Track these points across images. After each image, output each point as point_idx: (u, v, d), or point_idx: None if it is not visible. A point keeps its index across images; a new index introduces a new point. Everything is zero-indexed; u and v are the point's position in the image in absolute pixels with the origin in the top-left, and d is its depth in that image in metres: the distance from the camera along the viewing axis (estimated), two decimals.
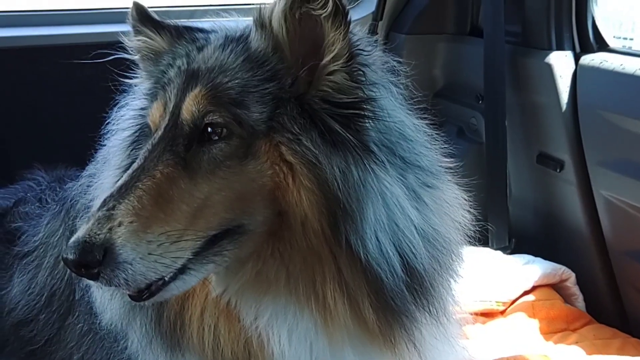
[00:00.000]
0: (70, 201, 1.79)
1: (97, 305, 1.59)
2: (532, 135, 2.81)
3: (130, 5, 1.59)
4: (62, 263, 1.75)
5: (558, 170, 2.68)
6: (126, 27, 1.60)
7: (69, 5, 3.09)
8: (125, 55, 1.59)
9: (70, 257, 1.18)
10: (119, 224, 1.20)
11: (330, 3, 1.27)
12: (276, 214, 1.32)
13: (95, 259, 1.18)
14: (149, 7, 1.60)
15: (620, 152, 2.42)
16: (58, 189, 2.04)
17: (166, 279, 1.25)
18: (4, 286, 1.91)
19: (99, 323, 1.60)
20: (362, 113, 1.34)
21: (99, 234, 1.19)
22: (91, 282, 1.28)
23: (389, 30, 3.34)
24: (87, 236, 1.19)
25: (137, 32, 1.57)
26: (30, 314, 1.82)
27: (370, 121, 1.35)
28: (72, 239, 1.20)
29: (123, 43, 1.59)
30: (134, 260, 1.20)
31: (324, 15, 1.29)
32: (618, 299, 2.64)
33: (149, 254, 1.21)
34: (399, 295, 1.37)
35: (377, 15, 3.25)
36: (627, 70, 2.37)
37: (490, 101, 2.86)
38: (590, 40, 2.62)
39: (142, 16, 1.56)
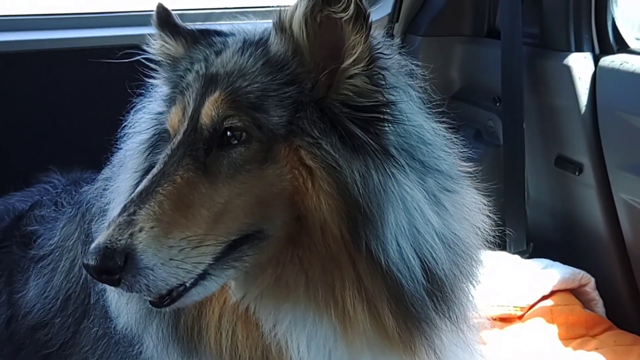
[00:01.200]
0: (86, 204, 1.79)
1: (112, 309, 1.58)
2: (551, 137, 2.78)
3: (149, 8, 1.58)
4: (77, 266, 1.76)
5: (577, 174, 2.65)
6: (146, 30, 1.59)
7: (89, 9, 3.10)
8: (143, 59, 1.59)
9: (92, 263, 1.18)
10: (140, 230, 1.20)
11: (352, 6, 1.26)
12: (295, 218, 1.31)
13: (117, 265, 1.17)
14: None
15: None
16: (74, 192, 2.03)
17: (187, 284, 1.24)
18: (19, 289, 1.91)
19: (114, 327, 1.59)
20: (382, 117, 1.33)
21: (120, 240, 1.18)
22: (112, 288, 1.27)
23: (405, 32, 3.32)
24: (108, 242, 1.18)
25: (158, 35, 1.57)
26: (46, 317, 1.82)
27: (390, 125, 1.34)
28: (93, 245, 1.19)
29: (142, 46, 1.58)
30: (155, 265, 1.19)
31: (345, 18, 1.28)
32: (639, 305, 2.60)
33: (170, 259, 1.20)
34: (419, 301, 1.35)
35: (394, 17, 3.24)
36: None
37: (508, 103, 2.83)
38: (610, 41, 2.59)
39: (162, 20, 1.56)
